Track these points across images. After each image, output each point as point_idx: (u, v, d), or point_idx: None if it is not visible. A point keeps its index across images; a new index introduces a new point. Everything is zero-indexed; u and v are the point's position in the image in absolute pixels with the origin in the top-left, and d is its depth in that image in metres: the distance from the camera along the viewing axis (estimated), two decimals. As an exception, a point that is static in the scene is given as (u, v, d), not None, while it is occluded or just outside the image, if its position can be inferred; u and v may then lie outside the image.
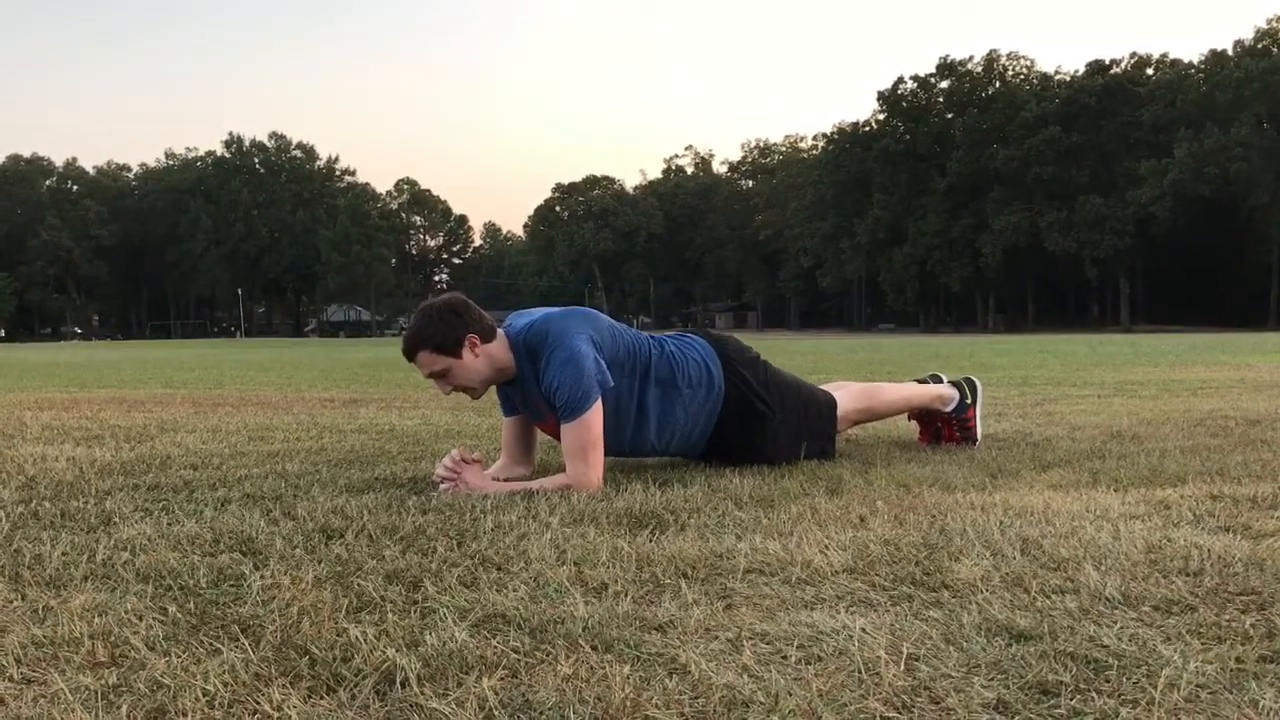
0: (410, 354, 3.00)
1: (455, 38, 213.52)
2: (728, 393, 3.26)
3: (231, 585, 1.81)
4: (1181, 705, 1.22)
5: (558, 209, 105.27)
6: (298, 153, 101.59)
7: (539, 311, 3.14)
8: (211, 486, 2.98)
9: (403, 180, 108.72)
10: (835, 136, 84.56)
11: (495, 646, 1.46)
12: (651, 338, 3.26)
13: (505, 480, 3.01)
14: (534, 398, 3.07)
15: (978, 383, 3.91)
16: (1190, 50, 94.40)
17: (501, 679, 1.34)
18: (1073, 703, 1.23)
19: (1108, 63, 73.94)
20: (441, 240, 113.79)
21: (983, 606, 1.61)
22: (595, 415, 2.91)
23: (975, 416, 3.83)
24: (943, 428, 3.86)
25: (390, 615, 1.61)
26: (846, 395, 3.61)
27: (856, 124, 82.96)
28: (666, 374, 3.17)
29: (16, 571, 1.93)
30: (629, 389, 3.10)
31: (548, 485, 2.84)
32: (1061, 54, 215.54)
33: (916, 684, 1.30)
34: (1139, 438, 4.05)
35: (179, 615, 1.62)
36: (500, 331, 3.06)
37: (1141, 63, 73.81)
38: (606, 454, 2.99)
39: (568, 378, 2.89)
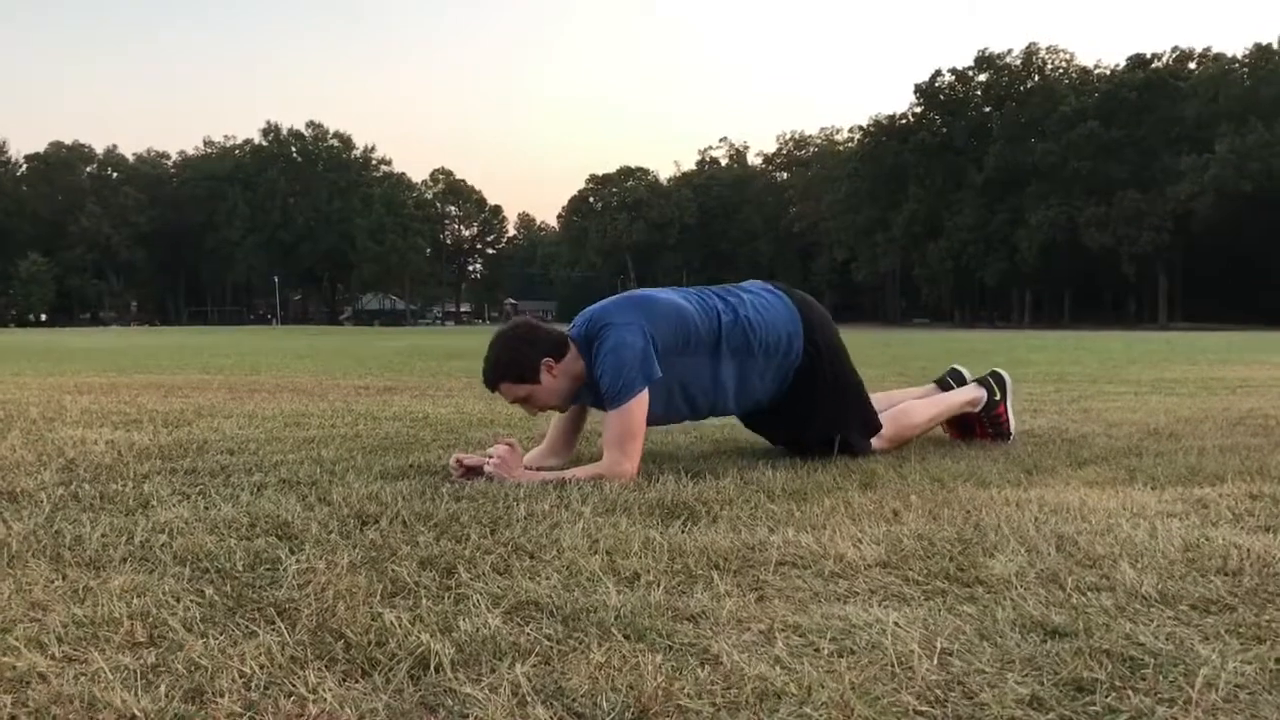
0: (492, 386, 3.09)
1: (491, 28, 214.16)
2: (801, 365, 3.28)
3: (267, 569, 1.83)
4: (1219, 705, 1.21)
5: (591, 200, 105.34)
6: (334, 142, 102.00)
7: (599, 304, 3.17)
8: (248, 471, 3.01)
9: (438, 170, 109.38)
10: (871, 129, 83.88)
11: (528, 634, 1.46)
12: (725, 301, 3.24)
13: (538, 469, 3.02)
14: (597, 389, 3.09)
15: (1005, 376, 3.85)
16: (1234, 44, 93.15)
17: (534, 666, 1.34)
18: (1108, 700, 1.22)
19: (1149, 57, 72.80)
20: (476, 230, 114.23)
21: (1017, 602, 1.60)
22: (637, 405, 2.92)
23: (1006, 411, 3.79)
24: (975, 425, 3.82)
25: (424, 601, 1.62)
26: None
27: (893, 117, 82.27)
28: (740, 342, 3.17)
29: (57, 552, 1.96)
30: (695, 367, 3.12)
31: (580, 475, 2.85)
32: (1102, 48, 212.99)
33: (950, 679, 1.30)
34: (1176, 435, 4.00)
35: (216, 598, 1.64)
36: (569, 340, 3.09)
37: (1184, 57, 72.67)
38: (687, 420, 3.24)
39: (610, 366, 2.93)
